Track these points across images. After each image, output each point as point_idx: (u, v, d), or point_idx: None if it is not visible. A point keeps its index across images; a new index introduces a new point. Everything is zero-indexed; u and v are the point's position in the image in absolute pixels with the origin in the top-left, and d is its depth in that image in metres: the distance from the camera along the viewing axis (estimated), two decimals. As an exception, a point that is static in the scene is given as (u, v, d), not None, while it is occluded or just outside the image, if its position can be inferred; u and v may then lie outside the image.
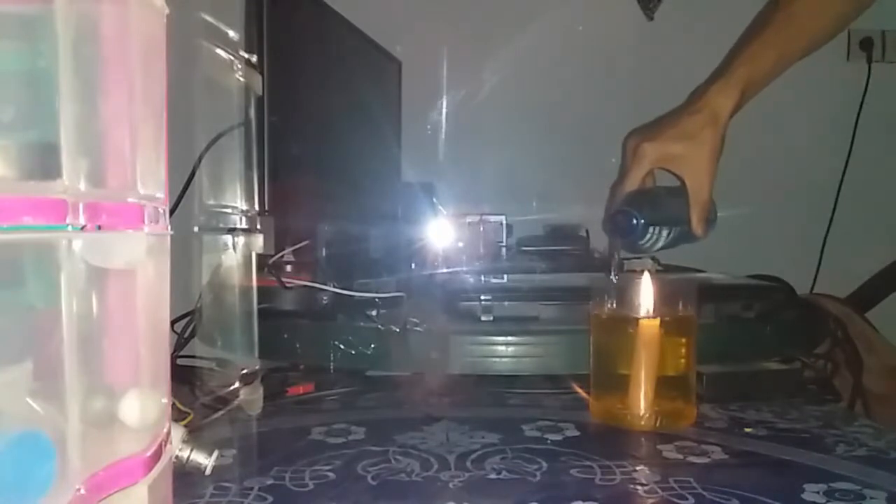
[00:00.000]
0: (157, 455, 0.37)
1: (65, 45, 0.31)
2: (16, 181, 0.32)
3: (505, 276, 0.99)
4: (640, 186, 0.84)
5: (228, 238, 0.81)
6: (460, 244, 1.12)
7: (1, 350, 0.31)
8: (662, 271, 1.07)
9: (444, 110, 1.63)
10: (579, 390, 0.72)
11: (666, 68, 1.67)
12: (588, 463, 0.55)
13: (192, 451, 0.44)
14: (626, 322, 0.65)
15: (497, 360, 0.75)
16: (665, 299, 0.65)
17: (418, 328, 0.76)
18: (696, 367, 0.67)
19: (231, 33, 0.82)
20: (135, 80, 0.36)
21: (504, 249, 1.16)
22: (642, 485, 0.51)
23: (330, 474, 0.52)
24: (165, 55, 0.39)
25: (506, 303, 0.84)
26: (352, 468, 0.54)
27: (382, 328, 0.77)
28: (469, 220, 1.14)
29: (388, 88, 1.28)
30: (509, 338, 0.76)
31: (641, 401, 0.63)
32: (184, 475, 0.44)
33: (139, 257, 0.36)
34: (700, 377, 0.69)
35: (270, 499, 0.48)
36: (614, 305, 0.67)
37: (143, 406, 0.36)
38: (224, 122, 0.85)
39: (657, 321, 0.64)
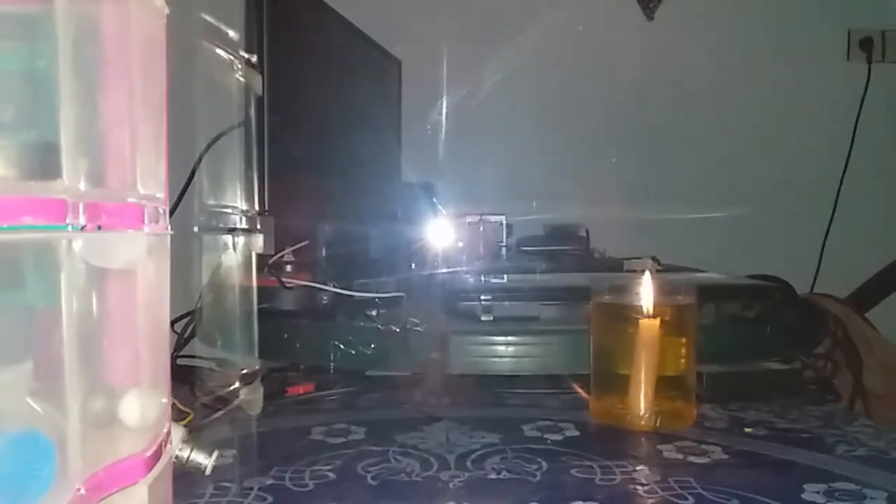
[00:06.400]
0: (157, 455, 0.36)
1: (65, 45, 0.31)
2: (16, 181, 0.32)
3: (505, 276, 0.99)
4: None
5: (228, 238, 0.80)
6: (460, 244, 1.12)
7: (1, 350, 0.31)
8: (662, 271, 1.07)
9: (444, 110, 1.63)
10: (579, 390, 0.72)
11: (666, 68, 1.67)
12: (588, 463, 0.55)
13: (192, 451, 0.44)
14: (626, 322, 0.65)
15: (497, 360, 0.75)
16: (665, 299, 0.65)
17: (418, 328, 0.76)
18: (696, 367, 0.67)
19: (231, 33, 0.82)
20: (135, 80, 0.36)
21: (504, 249, 1.16)
22: (642, 485, 0.51)
23: (330, 474, 0.52)
24: (165, 55, 0.39)
25: (506, 303, 0.84)
26: (352, 468, 0.54)
27: (382, 328, 0.77)
28: (469, 220, 1.14)
29: (388, 88, 1.28)
30: (509, 338, 0.76)
31: (641, 401, 0.63)
32: (184, 475, 0.44)
33: (139, 257, 0.36)
34: (700, 377, 0.69)
35: (270, 499, 0.48)
36: (615, 305, 0.67)
37: (143, 406, 0.36)
38: (224, 122, 0.85)
39: (657, 321, 0.64)
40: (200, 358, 0.78)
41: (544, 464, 0.54)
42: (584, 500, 0.47)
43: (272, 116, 0.82)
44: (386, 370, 0.79)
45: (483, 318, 0.81)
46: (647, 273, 0.66)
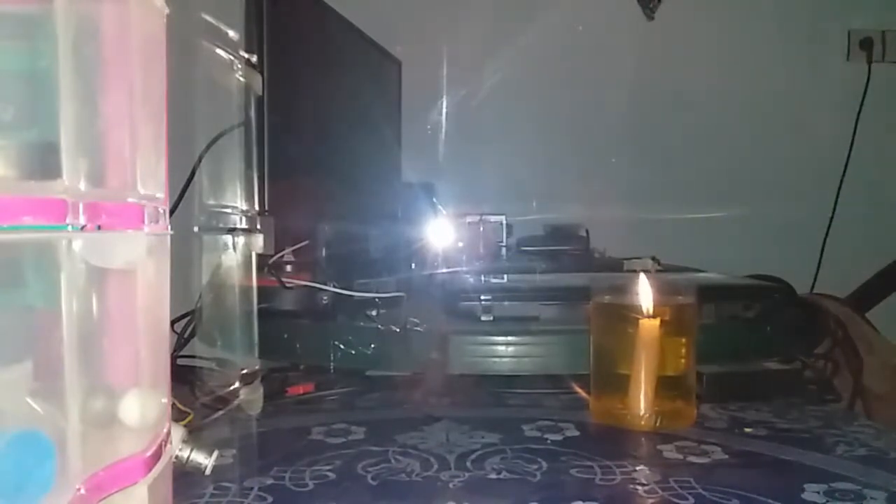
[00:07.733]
0: (157, 455, 0.36)
1: (65, 45, 0.31)
2: (16, 181, 0.32)
3: (505, 276, 0.99)
4: None
5: (228, 238, 0.80)
6: (460, 244, 1.12)
7: (1, 350, 0.31)
8: (662, 271, 1.07)
9: (444, 110, 1.63)
10: (579, 390, 0.72)
11: (666, 68, 1.67)
12: (588, 463, 0.55)
13: (192, 451, 0.44)
14: (626, 322, 0.65)
15: (497, 360, 0.75)
16: (665, 299, 0.65)
17: (418, 328, 0.76)
18: (696, 367, 0.67)
19: (231, 33, 0.82)
20: (135, 80, 0.36)
21: (504, 249, 1.16)
22: (642, 485, 0.51)
23: (330, 474, 0.52)
24: (165, 55, 0.39)
25: (506, 303, 0.84)
26: (352, 468, 0.54)
27: (382, 328, 0.77)
28: (469, 220, 1.14)
29: (388, 88, 1.28)
30: (509, 338, 0.76)
31: (641, 401, 0.63)
32: (184, 475, 0.44)
33: (139, 257, 0.36)
34: (700, 377, 0.69)
35: (270, 499, 0.48)
36: (615, 305, 0.67)
37: (143, 406, 0.36)
38: (224, 122, 0.85)
39: (657, 321, 0.64)
40: (200, 358, 0.78)
41: (544, 464, 0.54)
42: (584, 500, 0.47)
43: (272, 116, 0.82)
44: (386, 370, 0.79)
45: (483, 318, 0.81)
46: (647, 273, 0.66)
